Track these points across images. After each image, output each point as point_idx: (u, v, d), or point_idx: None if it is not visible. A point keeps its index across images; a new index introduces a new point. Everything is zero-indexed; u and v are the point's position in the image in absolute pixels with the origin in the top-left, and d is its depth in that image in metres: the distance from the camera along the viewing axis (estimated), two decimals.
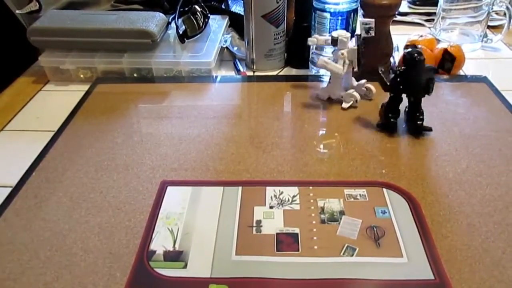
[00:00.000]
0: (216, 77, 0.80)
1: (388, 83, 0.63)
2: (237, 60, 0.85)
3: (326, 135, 0.64)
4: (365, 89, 0.70)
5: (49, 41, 0.79)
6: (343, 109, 0.69)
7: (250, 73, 0.82)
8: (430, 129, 0.63)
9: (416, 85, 0.60)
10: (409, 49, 0.60)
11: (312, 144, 0.62)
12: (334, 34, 0.66)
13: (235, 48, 0.88)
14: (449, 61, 0.60)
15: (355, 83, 0.71)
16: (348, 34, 0.66)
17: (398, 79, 0.61)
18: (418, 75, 0.60)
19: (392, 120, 0.63)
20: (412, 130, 0.64)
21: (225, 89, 0.77)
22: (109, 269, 0.45)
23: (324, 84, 0.73)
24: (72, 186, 0.55)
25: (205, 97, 0.74)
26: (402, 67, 0.61)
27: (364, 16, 0.74)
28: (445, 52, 0.60)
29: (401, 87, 0.61)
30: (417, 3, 1.03)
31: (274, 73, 0.82)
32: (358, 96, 0.69)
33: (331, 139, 0.63)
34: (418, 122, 0.63)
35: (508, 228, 0.48)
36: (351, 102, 0.69)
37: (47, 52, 0.80)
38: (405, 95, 0.63)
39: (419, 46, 0.78)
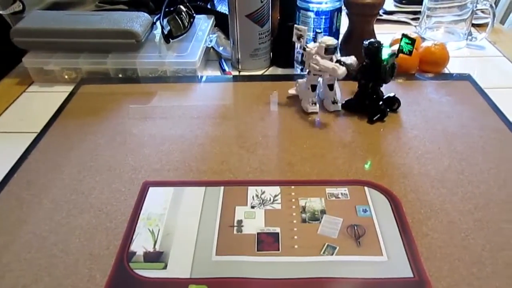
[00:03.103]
0: (202, 77, 0.80)
1: (352, 73, 0.65)
2: (222, 60, 0.85)
3: (310, 134, 0.64)
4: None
5: (32, 42, 0.78)
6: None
7: (235, 73, 0.82)
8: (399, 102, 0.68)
9: (381, 73, 0.63)
10: (367, 41, 0.62)
11: (295, 144, 0.62)
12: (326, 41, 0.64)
13: (221, 48, 0.88)
14: (408, 44, 0.61)
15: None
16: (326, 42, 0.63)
17: (364, 72, 0.64)
18: (381, 63, 0.62)
19: (382, 107, 0.66)
20: (386, 106, 0.67)
21: (210, 89, 0.77)
22: (89, 270, 0.44)
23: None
24: (54, 187, 0.55)
25: (190, 97, 0.74)
26: (366, 60, 0.63)
27: (348, 14, 0.74)
28: (403, 35, 0.62)
29: (368, 78, 0.65)
30: (403, 2, 1.04)
31: (260, 72, 0.82)
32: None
33: (315, 138, 0.63)
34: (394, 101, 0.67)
35: (488, 225, 0.48)
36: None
37: (31, 53, 0.79)
38: None
39: None
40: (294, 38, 0.66)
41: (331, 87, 0.68)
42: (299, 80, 0.70)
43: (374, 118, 0.66)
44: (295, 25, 0.66)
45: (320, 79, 0.68)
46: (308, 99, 0.68)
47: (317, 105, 0.68)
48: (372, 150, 0.60)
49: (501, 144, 0.60)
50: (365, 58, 0.63)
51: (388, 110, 0.67)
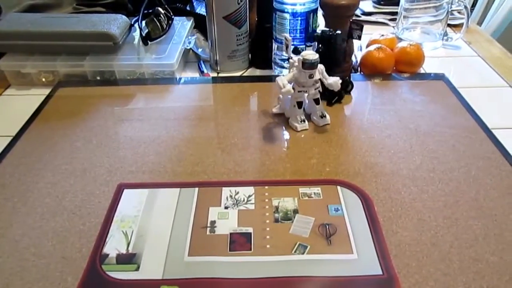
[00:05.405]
0: (180, 78, 0.80)
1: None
2: (201, 62, 0.85)
3: (285, 134, 0.65)
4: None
5: (9, 45, 0.78)
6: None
7: (214, 75, 0.82)
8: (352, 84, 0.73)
9: (336, 58, 0.67)
10: (321, 30, 0.66)
11: (271, 144, 0.62)
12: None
13: (200, 50, 0.88)
14: (357, 29, 0.63)
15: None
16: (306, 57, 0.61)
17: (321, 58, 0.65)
18: (335, 49, 0.66)
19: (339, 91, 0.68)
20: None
21: (188, 90, 0.77)
22: (60, 273, 0.44)
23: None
24: (27, 191, 0.55)
25: (167, 99, 0.74)
26: (320, 46, 0.66)
27: (324, 16, 0.75)
28: (351, 22, 0.63)
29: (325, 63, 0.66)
30: (382, 2, 1.05)
31: (238, 74, 0.82)
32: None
33: (290, 138, 0.64)
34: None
35: (457, 222, 0.49)
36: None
37: (7, 56, 0.79)
38: None
39: (380, 45, 0.79)
40: (283, 48, 0.66)
41: (317, 101, 0.66)
42: (281, 96, 0.68)
43: (333, 101, 0.71)
44: (284, 35, 0.66)
45: (305, 95, 0.65)
46: (296, 117, 0.65)
47: (306, 121, 0.66)
48: (346, 150, 0.61)
49: (472, 142, 0.61)
50: (319, 45, 0.67)
51: (343, 92, 0.72)
